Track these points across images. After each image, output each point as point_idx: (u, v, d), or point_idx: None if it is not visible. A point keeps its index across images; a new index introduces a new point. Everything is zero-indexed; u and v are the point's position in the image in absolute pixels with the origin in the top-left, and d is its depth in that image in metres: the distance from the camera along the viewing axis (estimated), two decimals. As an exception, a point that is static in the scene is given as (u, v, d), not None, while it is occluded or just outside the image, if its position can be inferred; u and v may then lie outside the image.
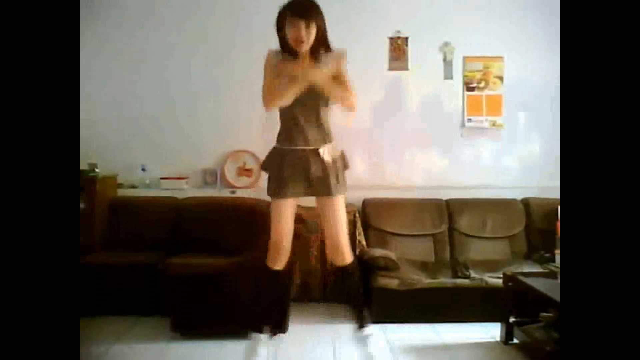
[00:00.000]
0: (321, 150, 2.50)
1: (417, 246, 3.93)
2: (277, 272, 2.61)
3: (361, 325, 2.65)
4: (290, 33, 2.45)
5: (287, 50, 2.52)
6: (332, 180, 2.51)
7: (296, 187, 2.51)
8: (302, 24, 2.42)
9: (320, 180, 2.50)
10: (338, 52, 2.56)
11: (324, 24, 2.51)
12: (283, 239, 2.56)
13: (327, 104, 2.53)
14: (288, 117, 2.54)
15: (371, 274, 3.47)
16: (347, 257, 2.61)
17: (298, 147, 2.51)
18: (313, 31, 2.45)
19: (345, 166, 2.61)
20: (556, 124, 4.08)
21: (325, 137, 2.54)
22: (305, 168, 2.49)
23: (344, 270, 2.64)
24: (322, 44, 2.52)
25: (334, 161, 2.54)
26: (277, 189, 2.53)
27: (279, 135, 2.59)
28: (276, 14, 2.52)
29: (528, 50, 4.26)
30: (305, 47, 2.46)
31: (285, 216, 2.56)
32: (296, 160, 2.50)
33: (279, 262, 2.60)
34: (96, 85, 4.19)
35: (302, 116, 2.50)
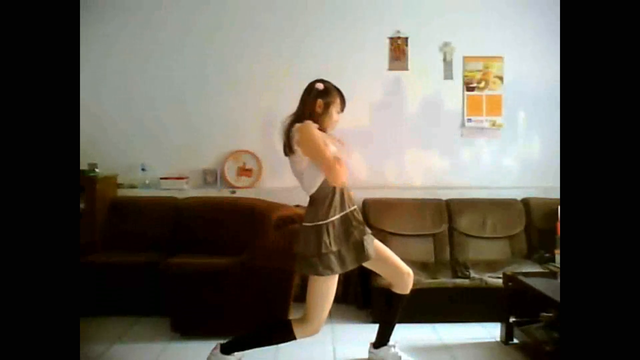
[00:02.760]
0: (354, 214, 2.49)
1: (417, 246, 3.92)
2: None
3: (388, 341, 2.81)
4: (334, 116, 2.50)
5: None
6: (367, 233, 2.52)
7: (350, 254, 2.46)
8: (340, 112, 2.52)
9: (360, 241, 2.49)
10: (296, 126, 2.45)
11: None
12: (326, 314, 2.50)
13: (300, 172, 2.50)
14: (330, 190, 2.44)
15: (371, 274, 3.46)
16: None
17: (346, 211, 2.47)
18: None
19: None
20: (556, 124, 4.09)
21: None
22: (348, 235, 2.46)
23: (404, 297, 2.70)
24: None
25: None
26: (339, 264, 2.42)
27: (321, 211, 2.43)
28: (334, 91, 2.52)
29: (528, 50, 4.26)
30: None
31: (334, 289, 2.48)
32: (342, 229, 2.44)
33: (311, 334, 2.53)
34: (97, 86, 4.20)
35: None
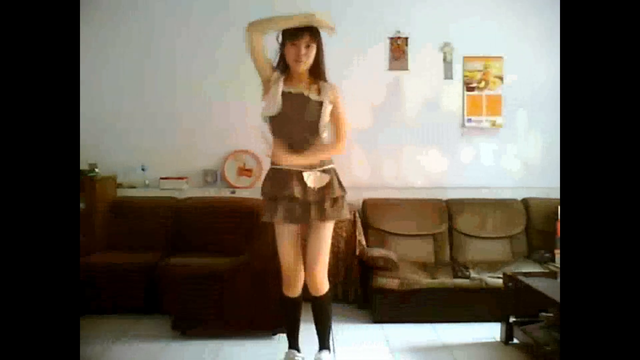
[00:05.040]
0: (305, 175, 2.44)
1: (417, 246, 3.92)
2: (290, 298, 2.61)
3: (323, 347, 2.66)
4: (290, 50, 2.44)
5: (285, 71, 2.51)
6: (313, 206, 2.44)
7: (285, 210, 2.45)
8: (304, 43, 2.42)
9: (300, 204, 2.44)
10: (332, 84, 2.52)
11: (322, 50, 2.51)
12: (288, 268, 2.52)
13: (323, 125, 2.48)
14: (281, 134, 2.48)
15: (371, 274, 3.47)
16: (322, 288, 2.54)
17: (288, 168, 2.45)
18: (311, 51, 2.44)
19: (343, 190, 2.54)
20: (556, 124, 4.09)
21: (320, 161, 2.48)
22: (288, 188, 2.42)
23: (316, 300, 2.58)
24: (319, 68, 2.50)
25: (322, 188, 2.46)
26: (269, 211, 2.48)
27: (272, 154, 2.53)
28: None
29: (528, 50, 4.26)
30: (304, 66, 2.45)
31: (285, 239, 2.50)
32: (283, 180, 2.44)
33: (291, 289, 2.57)
34: (96, 86, 4.20)
35: (295, 136, 2.45)
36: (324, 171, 2.48)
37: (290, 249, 2.52)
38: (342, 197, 2.52)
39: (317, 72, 2.50)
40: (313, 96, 2.46)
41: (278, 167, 2.48)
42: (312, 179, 2.44)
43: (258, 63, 2.50)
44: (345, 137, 2.51)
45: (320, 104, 2.45)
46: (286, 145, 2.44)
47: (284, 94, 2.44)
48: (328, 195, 2.46)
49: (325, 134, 2.50)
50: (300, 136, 2.45)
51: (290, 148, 2.43)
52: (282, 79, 2.48)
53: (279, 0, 4.19)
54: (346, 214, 2.57)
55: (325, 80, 2.52)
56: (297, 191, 2.42)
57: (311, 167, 2.45)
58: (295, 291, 2.60)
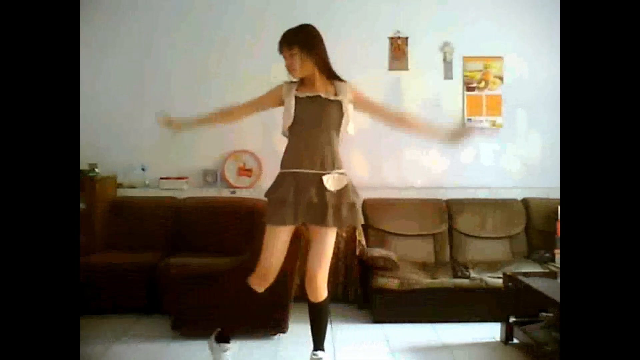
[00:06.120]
0: (325, 178, 2.41)
1: (417, 246, 3.92)
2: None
3: (319, 348, 2.62)
4: (285, 62, 2.51)
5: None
6: (330, 210, 2.39)
7: (294, 212, 2.40)
8: (287, 53, 2.48)
9: (317, 207, 2.40)
10: (346, 83, 2.56)
11: (320, 51, 2.51)
12: (271, 266, 2.46)
13: (339, 129, 2.48)
14: (298, 138, 2.47)
15: (371, 274, 3.47)
16: (322, 294, 2.52)
17: (303, 171, 2.43)
18: (297, 57, 2.46)
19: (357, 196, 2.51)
20: (556, 124, 4.09)
21: (334, 163, 2.46)
22: (306, 192, 2.39)
23: (315, 306, 2.54)
24: (324, 70, 2.51)
25: (340, 191, 2.43)
26: (275, 213, 2.42)
27: (285, 158, 2.50)
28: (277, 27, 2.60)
29: (528, 50, 4.26)
30: (299, 74, 2.48)
31: (279, 243, 2.44)
32: (299, 184, 2.41)
33: (262, 284, 2.51)
34: (96, 86, 4.20)
35: (313, 139, 2.44)
36: (341, 174, 2.47)
37: (279, 251, 2.46)
38: (357, 203, 2.50)
39: (326, 73, 2.52)
40: (331, 97, 2.48)
41: (294, 170, 2.44)
42: (331, 182, 2.41)
43: (269, 107, 2.62)
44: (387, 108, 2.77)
45: (339, 103, 2.47)
46: (303, 147, 2.44)
47: (298, 99, 2.46)
48: (345, 200, 2.43)
49: (350, 130, 2.51)
50: (320, 137, 2.45)
51: (307, 150, 2.43)
52: (294, 88, 2.51)
53: (278, 0, 4.24)
54: (361, 220, 2.55)
55: (339, 79, 2.54)
56: (315, 195, 2.39)
57: (328, 170, 2.44)
58: (265, 287, 2.53)
